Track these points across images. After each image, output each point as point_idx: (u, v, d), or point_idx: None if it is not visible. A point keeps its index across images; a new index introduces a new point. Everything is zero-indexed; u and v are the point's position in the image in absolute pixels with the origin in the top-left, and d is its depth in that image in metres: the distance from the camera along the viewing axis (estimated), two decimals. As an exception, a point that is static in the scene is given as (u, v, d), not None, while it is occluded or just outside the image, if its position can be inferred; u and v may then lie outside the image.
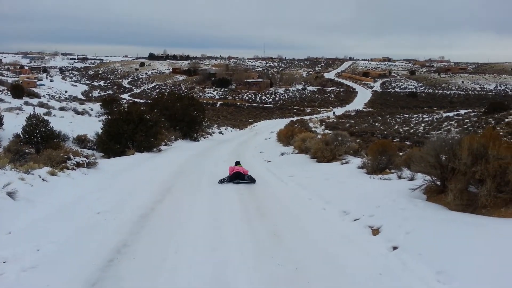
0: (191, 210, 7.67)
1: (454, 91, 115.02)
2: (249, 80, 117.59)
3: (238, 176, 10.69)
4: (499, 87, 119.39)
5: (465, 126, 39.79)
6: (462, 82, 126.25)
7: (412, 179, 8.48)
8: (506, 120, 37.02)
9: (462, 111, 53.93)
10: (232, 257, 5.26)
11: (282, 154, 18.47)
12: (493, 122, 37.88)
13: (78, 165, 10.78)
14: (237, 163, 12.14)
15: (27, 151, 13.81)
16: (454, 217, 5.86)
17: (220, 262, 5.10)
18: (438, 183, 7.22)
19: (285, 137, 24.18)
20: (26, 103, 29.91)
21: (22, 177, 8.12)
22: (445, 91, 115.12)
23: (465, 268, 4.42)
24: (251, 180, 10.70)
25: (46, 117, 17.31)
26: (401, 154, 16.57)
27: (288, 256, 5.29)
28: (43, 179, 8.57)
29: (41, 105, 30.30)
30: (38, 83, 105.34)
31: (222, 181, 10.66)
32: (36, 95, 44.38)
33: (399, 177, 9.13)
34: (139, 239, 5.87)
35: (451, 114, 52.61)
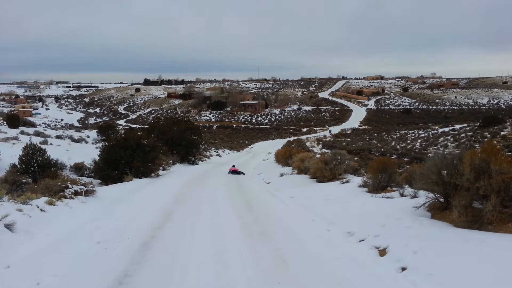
0: (192, 237, 7.52)
1: (448, 107, 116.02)
2: (244, 102, 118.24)
3: (234, 172, 21.54)
4: (492, 101, 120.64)
5: (462, 141, 39.97)
6: (455, 97, 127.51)
7: (414, 196, 8.41)
8: (502, 133, 37.25)
9: (457, 126, 54.31)
10: (237, 285, 5.13)
11: (281, 175, 18.39)
12: (488, 135, 38.09)
13: (76, 193, 10.64)
14: (233, 166, 23.32)
15: (24, 181, 13.60)
16: (460, 234, 5.78)
17: (225, 290, 4.98)
18: (442, 199, 7.15)
19: (283, 158, 24.15)
20: (22, 132, 29.83)
21: (20, 208, 7.99)
22: (439, 107, 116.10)
23: (477, 288, 4.33)
24: (240, 173, 21.38)
25: (42, 146, 17.17)
26: (400, 171, 16.56)
27: (295, 282, 5.16)
28: (41, 209, 8.42)
29: (37, 134, 30.24)
30: (33, 112, 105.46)
31: (229, 173, 21.62)
32: (32, 124, 44.32)
33: (402, 195, 9.06)
34: (141, 268, 5.72)
35: (446, 129, 52.94)
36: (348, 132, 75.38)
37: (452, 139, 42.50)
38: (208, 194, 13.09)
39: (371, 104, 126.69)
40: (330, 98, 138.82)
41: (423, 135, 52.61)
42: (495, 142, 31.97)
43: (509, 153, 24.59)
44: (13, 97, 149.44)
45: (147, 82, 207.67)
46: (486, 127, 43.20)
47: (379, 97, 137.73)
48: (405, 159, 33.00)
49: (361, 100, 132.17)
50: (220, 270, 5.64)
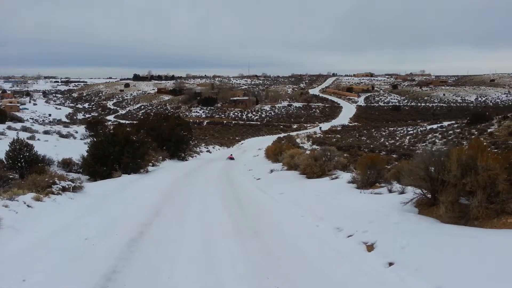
0: (182, 233, 7.50)
1: (436, 104, 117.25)
2: (235, 98, 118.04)
3: (231, 158, 30.56)
4: (479, 99, 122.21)
5: (450, 138, 40.40)
6: (444, 94, 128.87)
7: (402, 192, 8.50)
8: (489, 130, 37.75)
9: (445, 123, 54.89)
10: (226, 280, 5.14)
11: (271, 171, 18.41)
12: (476, 132, 38.58)
13: (64, 189, 10.52)
14: (231, 154, 33.63)
15: (11, 176, 13.44)
16: (447, 230, 5.86)
17: (214, 286, 4.98)
18: (429, 195, 7.24)
19: (273, 154, 24.19)
20: (9, 127, 29.34)
21: (6, 204, 7.89)
22: (427, 104, 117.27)
23: (462, 283, 4.39)
24: (233, 159, 30.57)
25: (30, 142, 16.98)
26: (388, 167, 16.69)
27: (285, 278, 5.18)
28: (28, 206, 8.32)
29: (25, 129, 29.79)
30: (21, 107, 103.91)
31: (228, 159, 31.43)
32: (20, 119, 43.65)
33: (390, 191, 9.14)
34: (129, 265, 5.69)
35: (435, 126, 53.46)
36: (338, 128, 75.77)
37: (440, 136, 42.94)
38: (198, 191, 13.06)
39: (361, 101, 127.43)
40: (321, 94, 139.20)
41: (411, 132, 53.08)
42: (482, 139, 32.40)
43: (495, 150, 24.94)
44: (0, 92, 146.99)
45: (136, 78, 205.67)
46: (474, 124, 43.69)
47: (369, 94, 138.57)
48: (394, 156, 33.27)
49: (351, 97, 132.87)
50: (210, 266, 5.64)
